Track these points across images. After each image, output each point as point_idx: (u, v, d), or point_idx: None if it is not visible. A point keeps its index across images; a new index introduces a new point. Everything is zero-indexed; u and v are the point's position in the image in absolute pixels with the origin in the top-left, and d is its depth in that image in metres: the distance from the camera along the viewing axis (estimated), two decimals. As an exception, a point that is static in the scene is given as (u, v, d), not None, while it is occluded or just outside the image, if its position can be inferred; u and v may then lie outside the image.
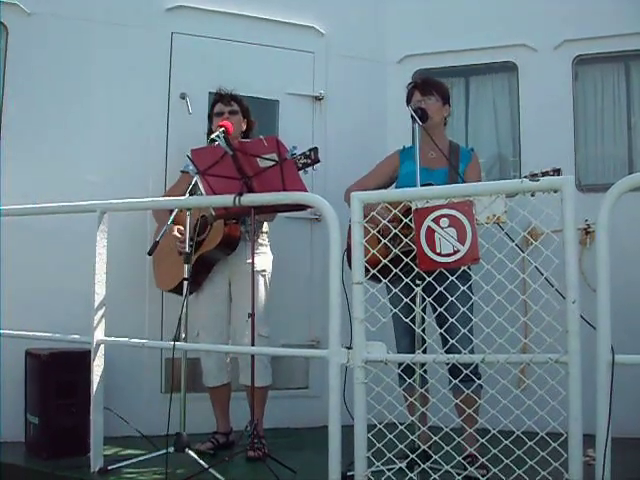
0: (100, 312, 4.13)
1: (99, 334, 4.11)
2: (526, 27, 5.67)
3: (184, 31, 5.44)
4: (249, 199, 3.86)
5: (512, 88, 5.82)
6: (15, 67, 5.05)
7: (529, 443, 3.15)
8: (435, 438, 3.47)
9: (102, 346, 4.13)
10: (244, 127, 4.91)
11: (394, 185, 4.67)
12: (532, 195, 3.37)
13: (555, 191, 3.16)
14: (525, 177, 3.59)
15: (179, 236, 4.55)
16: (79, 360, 4.43)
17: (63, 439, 4.48)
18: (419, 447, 3.67)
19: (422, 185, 4.09)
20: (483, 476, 3.29)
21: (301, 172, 4.00)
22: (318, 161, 4.11)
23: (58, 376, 4.54)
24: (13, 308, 4.69)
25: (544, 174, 3.88)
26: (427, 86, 4.63)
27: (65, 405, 4.53)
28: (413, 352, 4.01)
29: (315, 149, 4.09)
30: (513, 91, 5.81)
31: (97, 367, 4.11)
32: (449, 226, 3.33)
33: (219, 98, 4.92)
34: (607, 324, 3.04)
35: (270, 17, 5.62)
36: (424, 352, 3.94)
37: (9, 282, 4.75)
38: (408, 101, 4.64)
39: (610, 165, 5.65)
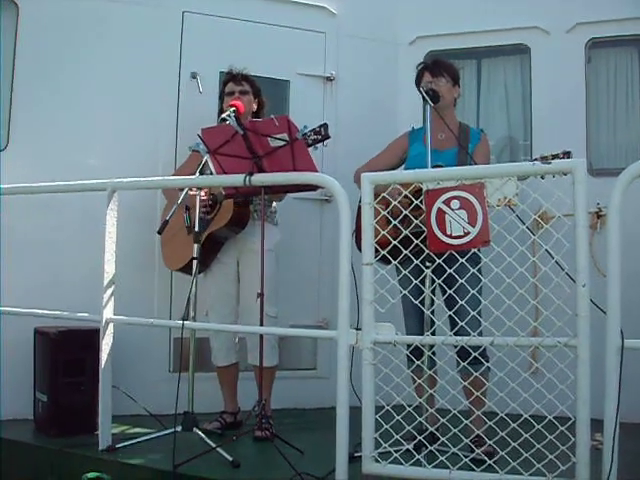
0: (109, 291, 4.13)
1: (108, 312, 4.11)
2: (539, 9, 5.64)
3: (195, 10, 5.42)
4: (259, 179, 3.85)
5: (524, 71, 5.79)
6: (26, 45, 5.06)
7: (537, 426, 3.15)
8: (443, 420, 3.47)
9: (111, 325, 4.14)
10: (255, 107, 4.90)
11: (403, 167, 4.67)
12: (542, 178, 3.36)
13: (566, 174, 3.15)
14: (535, 159, 3.58)
15: (204, 197, 4.53)
16: (88, 338, 4.45)
17: (71, 417, 4.50)
18: (426, 429, 3.67)
19: (432, 167, 4.09)
20: (490, 458, 3.29)
21: (311, 149, 3.98)
22: (328, 137, 4.09)
23: (67, 354, 4.56)
24: (23, 286, 4.71)
25: (554, 157, 3.87)
26: (437, 67, 4.61)
27: (74, 383, 4.55)
28: (421, 334, 4.02)
29: (325, 125, 4.07)
30: (525, 74, 5.78)
31: (106, 345, 4.12)
32: (460, 208, 3.32)
33: (230, 77, 4.91)
34: (617, 308, 3.03)
35: (282, -4, 5.61)
36: (433, 334, 3.95)
37: (19, 260, 4.77)
38: (417, 82, 4.63)
39: (622, 149, 5.62)
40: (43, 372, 4.65)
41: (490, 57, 5.96)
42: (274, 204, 4.83)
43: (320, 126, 4.09)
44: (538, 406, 3.17)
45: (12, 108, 5.02)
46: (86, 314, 4.27)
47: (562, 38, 5.57)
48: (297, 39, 5.64)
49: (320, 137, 4.05)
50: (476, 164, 4.27)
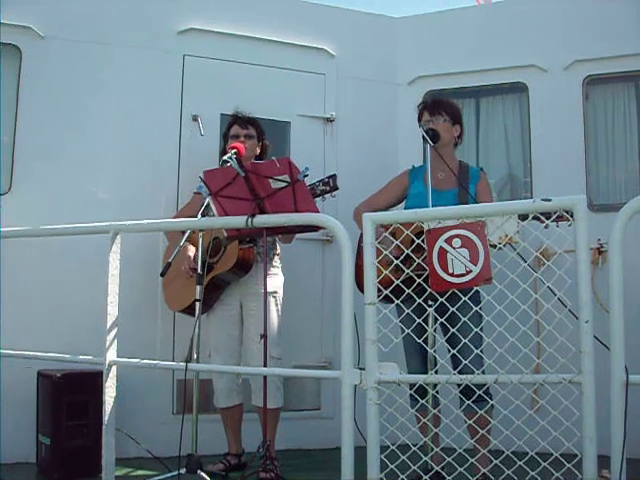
0: (112, 333, 4.11)
1: (111, 355, 4.10)
2: (536, 48, 5.71)
3: (196, 53, 5.50)
4: (261, 220, 3.86)
5: (523, 109, 5.84)
6: (29, 89, 5.11)
7: (543, 464, 3.13)
8: (448, 459, 3.45)
9: (114, 367, 4.13)
10: (258, 151, 4.94)
11: (403, 205, 4.69)
12: (547, 219, 3.34)
13: (567, 212, 3.16)
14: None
15: (190, 257, 4.56)
16: (91, 381, 4.45)
17: (75, 460, 4.49)
18: (432, 468, 3.65)
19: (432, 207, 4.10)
20: (497, 497, 3.27)
21: (319, 199, 4.03)
22: (337, 188, 4.12)
23: (70, 397, 4.56)
24: (26, 329, 4.71)
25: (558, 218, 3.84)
26: (436, 106, 4.65)
27: (77, 426, 4.54)
28: (424, 373, 4.01)
29: (334, 176, 4.10)
30: (524, 112, 5.83)
31: (109, 388, 4.09)
32: (461, 247, 3.32)
33: (236, 120, 4.95)
34: (621, 344, 3.02)
35: (281, 39, 5.68)
36: (436, 373, 3.93)
37: (22, 302, 4.78)
38: (419, 121, 4.67)
39: (621, 185, 5.65)
40: (46, 415, 4.64)
41: (489, 96, 6.02)
42: (278, 247, 4.85)
43: (329, 177, 4.12)
44: (544, 443, 3.15)
45: (15, 151, 5.05)
46: (89, 357, 4.25)
47: (560, 76, 5.63)
48: (297, 81, 5.71)
49: (329, 188, 4.09)
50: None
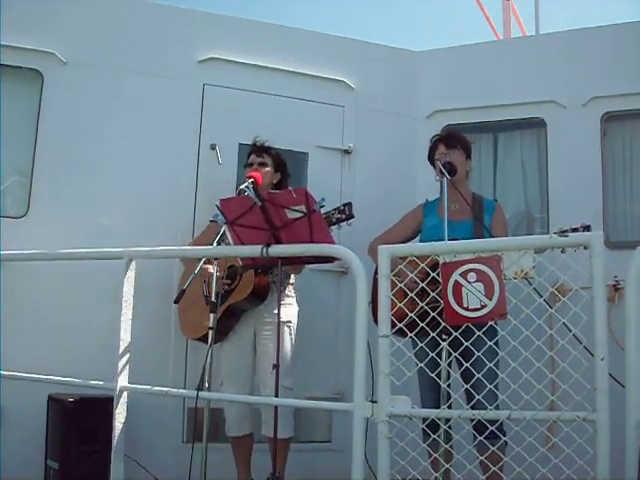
0: (124, 359, 4.11)
1: (123, 381, 4.09)
2: (555, 84, 5.71)
3: (215, 83, 5.54)
4: (277, 250, 3.85)
5: (541, 144, 5.83)
6: (49, 114, 5.16)
7: (555, 503, 3.10)
8: (459, 495, 3.42)
9: (125, 393, 4.11)
10: (275, 180, 4.93)
11: (417, 239, 4.68)
12: (562, 251, 3.36)
13: (584, 247, 3.14)
14: (555, 233, 3.58)
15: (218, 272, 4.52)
16: (102, 406, 4.42)
17: (83, 486, 4.46)
18: (443, 503, 3.61)
19: (448, 240, 4.09)
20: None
21: (334, 227, 4.02)
22: (352, 216, 4.11)
23: (80, 422, 4.54)
24: (38, 353, 4.70)
25: (574, 230, 3.88)
26: (452, 140, 4.68)
27: (86, 451, 4.52)
28: (438, 407, 3.97)
29: (349, 204, 4.09)
30: (542, 147, 5.82)
31: (119, 414, 4.08)
32: (477, 281, 3.31)
33: (253, 149, 4.98)
34: (636, 382, 2.99)
35: (301, 70, 5.71)
36: (449, 407, 3.90)
37: (34, 326, 4.78)
38: (430, 153, 4.69)
39: (639, 221, 5.62)
40: (56, 439, 4.62)
41: (507, 131, 6.02)
42: (292, 276, 4.83)
43: (344, 205, 4.11)
44: (557, 482, 3.12)
45: (33, 175, 5.09)
46: (100, 382, 4.24)
47: (578, 112, 5.63)
48: (316, 112, 5.73)
49: (344, 216, 4.08)
50: (496, 235, 4.29)
